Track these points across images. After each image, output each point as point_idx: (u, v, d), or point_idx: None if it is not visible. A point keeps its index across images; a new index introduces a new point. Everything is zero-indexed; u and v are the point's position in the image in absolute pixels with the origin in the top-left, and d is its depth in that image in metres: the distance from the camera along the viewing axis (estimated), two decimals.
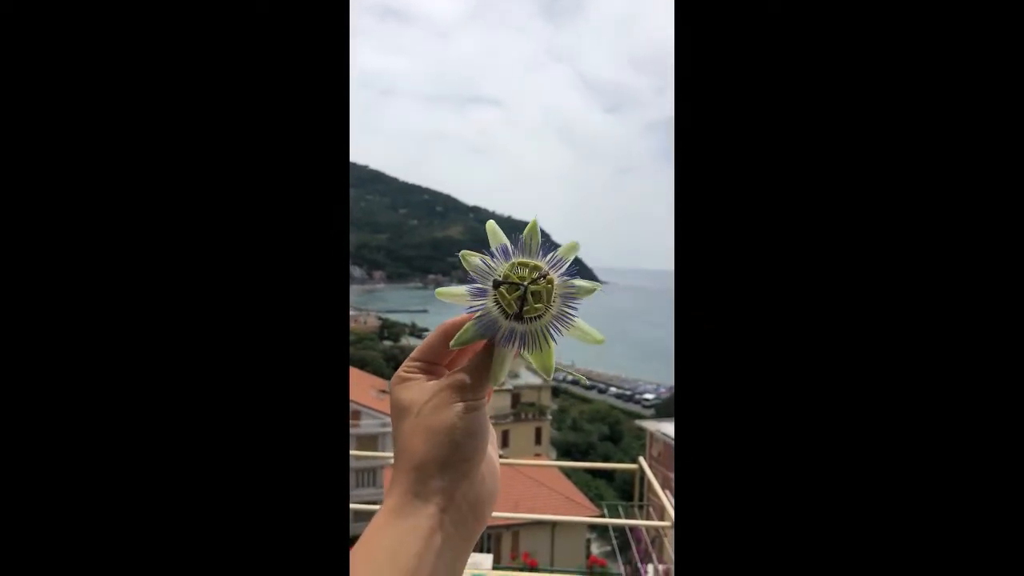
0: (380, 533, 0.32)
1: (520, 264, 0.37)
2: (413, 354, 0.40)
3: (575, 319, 0.37)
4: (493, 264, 0.38)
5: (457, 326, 0.38)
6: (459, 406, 0.36)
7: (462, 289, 0.39)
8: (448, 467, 0.35)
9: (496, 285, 0.36)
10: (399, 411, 0.37)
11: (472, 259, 0.38)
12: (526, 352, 0.37)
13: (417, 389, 0.37)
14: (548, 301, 0.36)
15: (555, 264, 0.37)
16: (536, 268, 0.37)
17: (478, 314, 0.37)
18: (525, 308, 0.36)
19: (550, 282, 0.36)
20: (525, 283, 0.36)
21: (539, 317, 0.36)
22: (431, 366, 0.39)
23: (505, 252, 0.38)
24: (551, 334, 0.37)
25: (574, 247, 0.38)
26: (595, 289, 0.37)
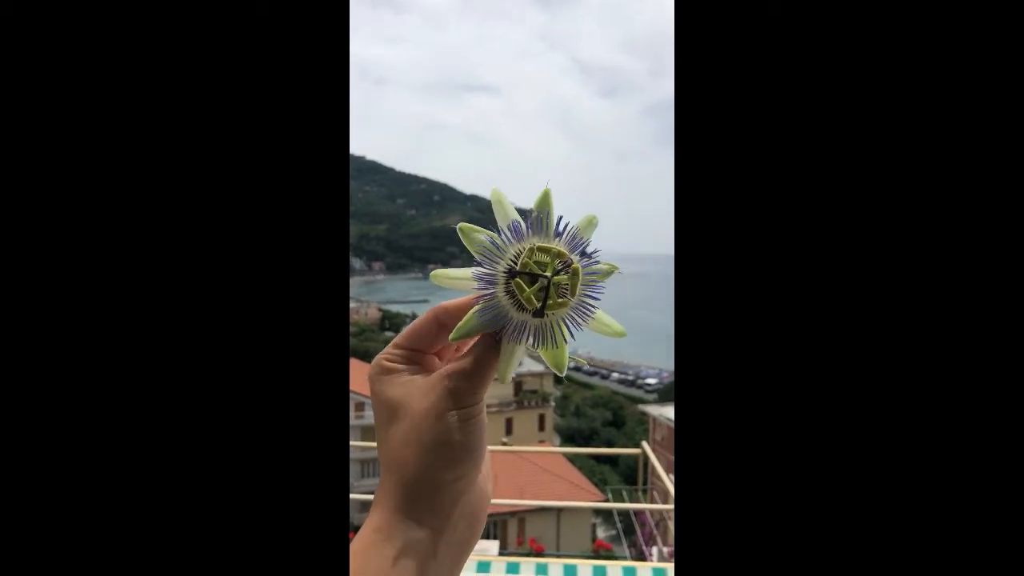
0: (365, 557, 0.28)
1: (539, 249, 0.30)
2: (398, 340, 0.33)
3: (596, 310, 0.31)
4: (503, 245, 0.31)
5: (452, 312, 0.32)
6: (457, 414, 0.31)
7: (465, 273, 0.32)
8: (445, 486, 0.31)
9: (513, 275, 0.30)
10: (386, 411, 0.32)
11: (476, 236, 0.32)
12: (539, 348, 0.32)
13: (406, 386, 0.32)
14: (573, 294, 0.30)
15: (576, 247, 0.31)
16: (560, 255, 0.30)
17: (483, 303, 0.31)
18: (548, 303, 0.30)
19: (576, 272, 0.30)
20: (549, 275, 0.30)
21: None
22: (417, 355, 0.33)
23: (518, 231, 0.31)
24: (570, 329, 0.31)
25: (592, 223, 0.32)
26: (613, 271, 0.32)
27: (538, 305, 0.30)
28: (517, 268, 0.30)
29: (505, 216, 0.32)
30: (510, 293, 0.30)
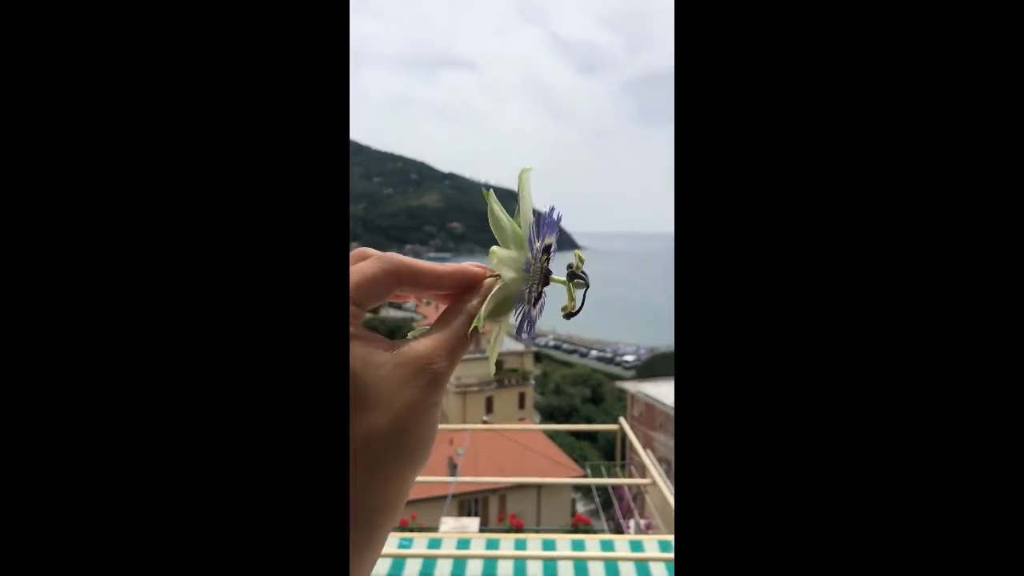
0: None
1: (577, 255, 0.31)
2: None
3: None
4: (539, 238, 0.30)
5: (416, 274, 0.29)
6: (436, 407, 0.28)
7: (518, 261, 0.30)
8: (407, 491, 0.27)
9: (572, 278, 0.30)
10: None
11: (501, 217, 0.31)
12: (495, 337, 0.31)
13: (367, 360, 0.27)
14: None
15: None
16: (582, 261, 0.31)
17: (517, 287, 0.30)
18: (578, 308, 0.30)
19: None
20: (587, 279, 0.30)
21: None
22: (361, 312, 0.28)
23: (549, 226, 0.30)
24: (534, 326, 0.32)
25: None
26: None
27: (574, 308, 0.30)
28: (575, 272, 0.30)
29: (528, 205, 0.31)
30: (531, 284, 0.30)
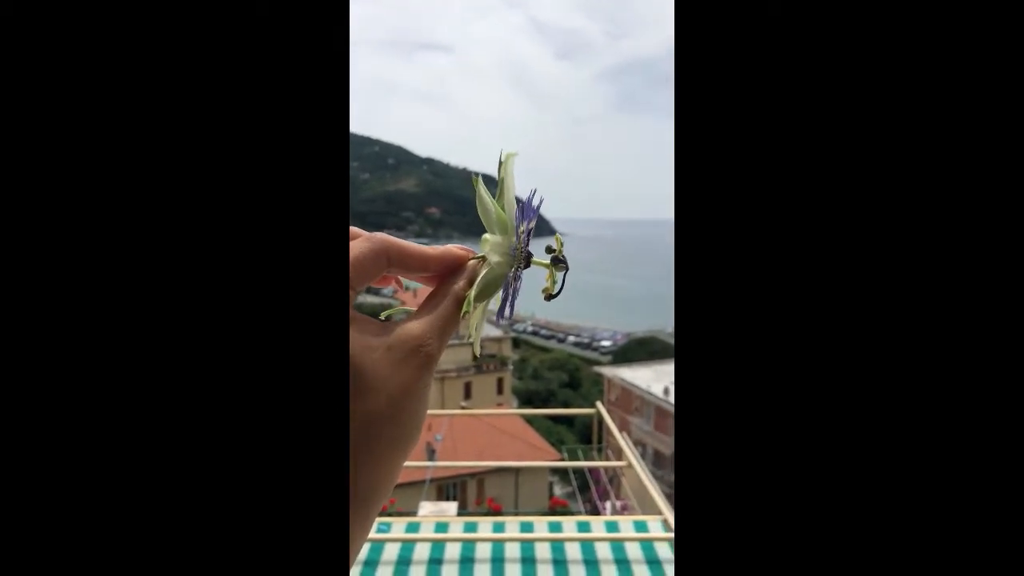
0: None
1: (557, 239, 0.31)
2: None
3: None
4: (523, 222, 0.30)
5: (405, 254, 0.29)
6: (428, 391, 0.28)
7: (504, 245, 0.30)
8: (398, 474, 0.27)
9: (555, 262, 0.30)
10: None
11: (486, 199, 0.30)
12: (478, 319, 0.31)
13: (359, 343, 0.26)
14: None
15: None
16: (561, 246, 0.31)
17: (503, 270, 0.30)
18: (556, 292, 0.31)
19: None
20: (567, 262, 0.30)
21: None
22: (351, 292, 0.28)
23: (534, 210, 0.30)
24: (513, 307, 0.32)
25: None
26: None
27: (555, 291, 0.30)
28: (559, 257, 0.30)
29: (511, 189, 0.30)
30: (515, 267, 0.30)
